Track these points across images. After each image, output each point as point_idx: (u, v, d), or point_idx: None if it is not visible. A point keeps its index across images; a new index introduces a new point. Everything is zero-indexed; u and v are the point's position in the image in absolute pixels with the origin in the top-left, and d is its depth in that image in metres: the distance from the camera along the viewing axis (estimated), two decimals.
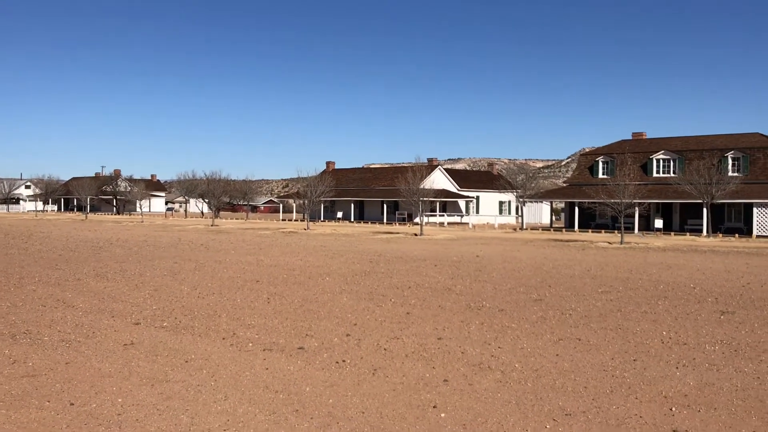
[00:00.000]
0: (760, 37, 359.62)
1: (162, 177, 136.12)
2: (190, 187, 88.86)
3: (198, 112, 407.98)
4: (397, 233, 46.86)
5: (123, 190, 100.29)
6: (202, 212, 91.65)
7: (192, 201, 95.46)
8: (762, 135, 52.11)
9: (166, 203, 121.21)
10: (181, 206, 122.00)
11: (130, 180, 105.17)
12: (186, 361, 8.64)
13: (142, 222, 67.54)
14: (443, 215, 68.99)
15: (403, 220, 68.89)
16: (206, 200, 75.82)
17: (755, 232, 45.58)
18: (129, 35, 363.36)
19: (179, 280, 17.24)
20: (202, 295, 14.67)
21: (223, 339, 10.04)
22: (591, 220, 55.24)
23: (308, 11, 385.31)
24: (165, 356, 8.92)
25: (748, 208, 47.05)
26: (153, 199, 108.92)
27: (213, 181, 79.48)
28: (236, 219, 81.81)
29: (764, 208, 45.50)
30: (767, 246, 35.40)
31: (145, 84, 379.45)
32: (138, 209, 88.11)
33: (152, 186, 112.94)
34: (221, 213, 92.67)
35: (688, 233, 48.01)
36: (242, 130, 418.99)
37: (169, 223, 67.61)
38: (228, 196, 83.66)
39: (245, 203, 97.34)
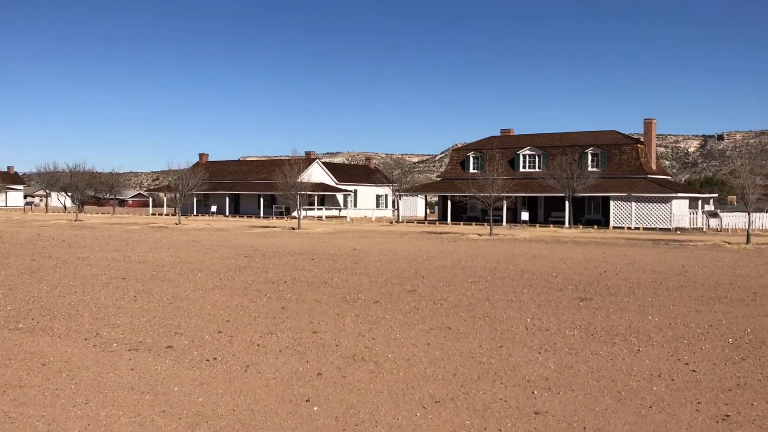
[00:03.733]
0: (618, 42, 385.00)
1: (20, 169, 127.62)
2: (51, 180, 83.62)
3: (60, 99, 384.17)
4: (274, 227, 46.36)
5: None
6: (64, 206, 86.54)
7: (54, 195, 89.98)
8: (618, 133, 55.84)
9: (25, 197, 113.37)
10: (41, 200, 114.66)
11: None
12: (43, 365, 8.13)
13: None
14: (321, 209, 68.91)
15: (281, 213, 68.22)
16: (69, 194, 71.64)
17: (612, 223, 48.81)
18: None
19: (38, 279, 16.19)
20: (63, 293, 13.86)
21: (86, 340, 9.53)
22: (463, 213, 57.08)
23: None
24: (20, 360, 8.35)
25: (606, 201, 50.29)
26: (10, 193, 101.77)
27: (76, 173, 75.28)
28: (102, 213, 77.86)
29: (620, 201, 48.80)
30: (622, 236, 38.02)
31: None
32: None
33: (9, 179, 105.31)
34: (86, 207, 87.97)
35: (551, 225, 50.69)
36: (109, 120, 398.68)
37: (27, 218, 63.36)
38: (93, 190, 79.60)
39: (112, 197, 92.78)
